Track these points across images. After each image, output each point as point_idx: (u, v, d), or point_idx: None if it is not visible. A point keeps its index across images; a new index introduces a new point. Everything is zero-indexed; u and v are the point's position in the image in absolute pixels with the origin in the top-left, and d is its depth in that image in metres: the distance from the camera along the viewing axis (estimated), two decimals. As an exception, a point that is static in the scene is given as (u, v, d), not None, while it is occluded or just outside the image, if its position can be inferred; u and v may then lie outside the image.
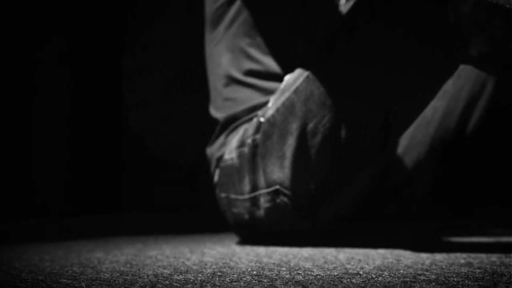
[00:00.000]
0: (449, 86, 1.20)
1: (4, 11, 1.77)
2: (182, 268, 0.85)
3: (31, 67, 1.83)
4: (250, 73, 1.24)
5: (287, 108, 1.12)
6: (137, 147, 2.02)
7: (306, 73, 1.11)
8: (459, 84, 1.22)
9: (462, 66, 1.19)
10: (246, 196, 1.18)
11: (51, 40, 1.86)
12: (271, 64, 1.23)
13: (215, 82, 1.29)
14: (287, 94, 1.13)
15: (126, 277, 0.77)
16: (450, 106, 1.23)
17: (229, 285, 0.69)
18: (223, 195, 1.22)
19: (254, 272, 0.79)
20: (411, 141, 1.24)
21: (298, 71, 1.15)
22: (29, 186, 1.81)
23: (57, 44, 1.86)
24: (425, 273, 0.76)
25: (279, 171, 1.13)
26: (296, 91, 1.12)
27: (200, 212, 1.88)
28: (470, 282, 0.68)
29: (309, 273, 0.78)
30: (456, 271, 0.77)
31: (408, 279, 0.71)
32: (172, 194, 2.00)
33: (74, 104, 1.89)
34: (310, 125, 1.09)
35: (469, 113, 1.23)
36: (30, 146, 1.82)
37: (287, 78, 1.17)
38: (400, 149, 1.26)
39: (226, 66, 1.26)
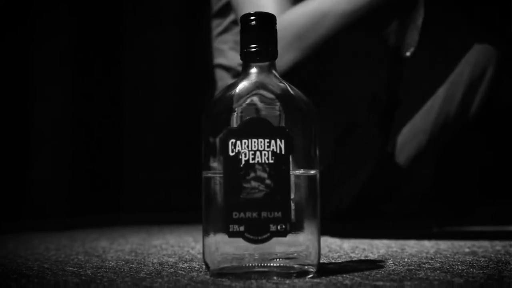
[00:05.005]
0: None
1: (4, 11, 1.77)
2: (187, 256, 0.85)
3: (31, 67, 1.83)
4: None
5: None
6: (137, 147, 2.02)
7: None
8: (458, 69, 1.20)
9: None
10: None
11: (51, 40, 1.86)
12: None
13: (224, 72, 1.29)
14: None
15: (131, 265, 0.77)
16: (450, 92, 1.21)
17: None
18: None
19: (259, 261, 0.79)
20: (412, 129, 1.23)
21: None
22: (29, 186, 1.80)
23: (57, 44, 1.86)
24: (430, 261, 0.76)
25: None
26: None
27: (200, 211, 1.88)
28: (475, 270, 0.68)
29: (313, 262, 0.78)
30: (460, 260, 0.77)
31: (412, 267, 0.71)
32: (172, 194, 2.00)
33: (74, 104, 1.89)
34: None
35: (470, 99, 1.21)
36: (31, 146, 1.82)
37: None
38: (401, 138, 1.25)
39: (235, 58, 1.26)
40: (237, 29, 1.26)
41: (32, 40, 1.83)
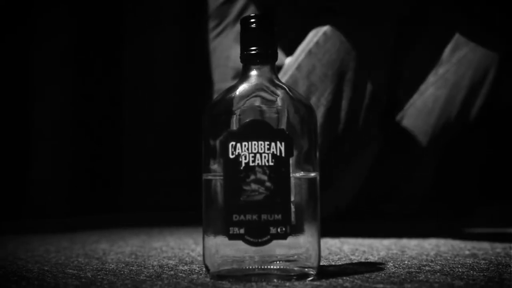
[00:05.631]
0: (450, 74, 1.20)
1: (4, 11, 1.77)
2: (187, 259, 0.85)
3: (31, 67, 1.82)
4: None
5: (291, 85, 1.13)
6: (137, 147, 2.02)
7: (308, 48, 1.12)
8: (460, 72, 1.20)
9: (463, 53, 1.19)
10: None
11: (51, 40, 1.85)
12: (281, 58, 1.24)
13: (223, 74, 1.29)
14: (289, 73, 1.14)
15: (131, 267, 0.77)
16: (451, 94, 1.21)
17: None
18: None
19: (259, 263, 0.79)
20: (413, 130, 1.24)
21: (299, 50, 1.16)
22: (29, 186, 1.80)
23: (57, 44, 1.86)
24: (430, 264, 0.76)
25: None
26: (298, 68, 1.13)
27: (200, 212, 1.88)
28: (475, 273, 0.68)
29: (314, 264, 0.78)
30: (461, 262, 0.77)
31: (413, 270, 0.71)
32: (172, 194, 2.00)
33: (74, 104, 1.89)
34: (313, 99, 1.10)
35: (471, 101, 1.21)
36: (30, 146, 1.82)
37: (288, 59, 1.18)
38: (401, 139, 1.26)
39: (236, 58, 1.26)
40: (235, 29, 1.26)
41: (32, 40, 1.83)
